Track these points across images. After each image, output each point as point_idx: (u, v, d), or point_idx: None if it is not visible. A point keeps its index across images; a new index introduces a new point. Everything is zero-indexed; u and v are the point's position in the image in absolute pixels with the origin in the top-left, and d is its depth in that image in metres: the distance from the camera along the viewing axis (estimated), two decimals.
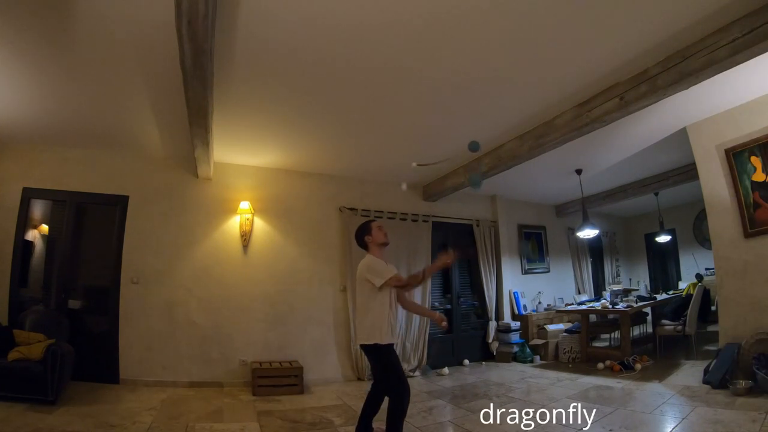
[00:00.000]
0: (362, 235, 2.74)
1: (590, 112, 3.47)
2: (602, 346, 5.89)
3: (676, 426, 2.80)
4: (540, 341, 5.86)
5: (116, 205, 4.40)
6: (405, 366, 5.11)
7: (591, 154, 4.96)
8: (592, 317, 5.93)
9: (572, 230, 7.31)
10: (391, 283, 2.51)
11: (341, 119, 3.84)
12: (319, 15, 2.43)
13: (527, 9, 2.43)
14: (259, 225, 4.89)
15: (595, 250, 8.29)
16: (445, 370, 5.22)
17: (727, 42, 2.56)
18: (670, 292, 6.69)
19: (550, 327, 5.94)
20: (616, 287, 6.44)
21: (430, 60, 2.92)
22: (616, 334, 5.88)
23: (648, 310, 6.16)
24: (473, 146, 3.01)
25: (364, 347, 2.56)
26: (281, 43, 2.67)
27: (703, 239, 7.65)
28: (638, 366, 4.53)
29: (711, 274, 5.86)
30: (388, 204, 5.63)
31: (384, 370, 2.53)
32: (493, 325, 6.01)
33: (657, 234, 7.52)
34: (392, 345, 2.53)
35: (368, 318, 2.52)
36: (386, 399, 2.54)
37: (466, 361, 5.70)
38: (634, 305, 5.25)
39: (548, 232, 7.37)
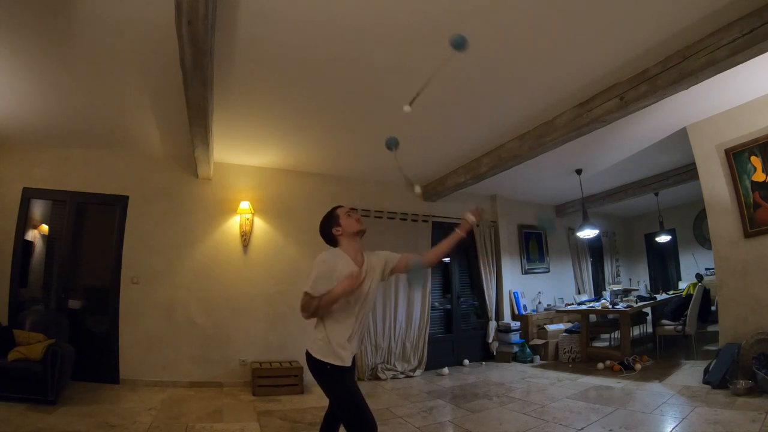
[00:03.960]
0: (329, 229, 2.03)
1: (590, 112, 3.47)
2: (602, 346, 5.89)
3: (676, 426, 2.80)
4: (540, 341, 5.86)
5: (116, 205, 4.40)
6: (405, 366, 5.12)
7: (591, 154, 4.96)
8: (592, 317, 5.94)
9: (572, 230, 7.31)
10: (302, 301, 1.80)
11: (341, 119, 3.83)
12: (319, 15, 2.43)
13: (527, 9, 2.43)
14: (259, 225, 4.89)
15: (595, 250, 8.29)
16: (445, 370, 5.22)
17: (727, 42, 2.56)
18: (670, 292, 6.68)
19: (550, 327, 5.94)
20: (616, 287, 6.43)
21: (430, 60, 2.92)
22: (616, 334, 5.88)
23: (648, 310, 6.17)
24: (390, 142, 2.34)
25: (311, 362, 1.83)
26: (281, 43, 2.67)
27: (703, 239, 7.65)
28: (638, 366, 4.53)
29: (711, 274, 5.86)
30: (388, 204, 5.63)
31: (338, 402, 1.82)
32: (493, 325, 6.01)
33: (657, 234, 7.52)
34: (347, 369, 1.83)
35: (321, 325, 1.86)
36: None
37: (466, 361, 5.70)
38: (634, 305, 5.25)
39: (548, 232, 7.36)
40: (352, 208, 2.08)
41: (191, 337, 4.36)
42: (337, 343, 1.81)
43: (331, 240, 2.06)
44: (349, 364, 1.84)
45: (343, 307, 1.84)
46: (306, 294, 1.79)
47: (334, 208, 2.11)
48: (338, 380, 1.80)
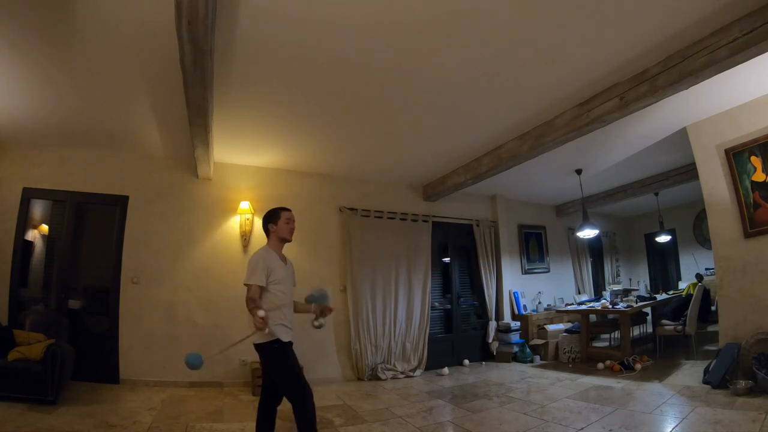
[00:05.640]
0: (267, 223, 2.49)
1: (590, 112, 3.47)
2: (602, 346, 5.89)
3: (676, 426, 2.80)
4: (540, 341, 5.86)
5: (116, 205, 4.40)
6: (405, 366, 5.13)
7: (591, 154, 4.96)
8: (592, 317, 5.93)
9: (572, 230, 7.32)
10: (247, 289, 2.22)
11: (341, 119, 3.83)
12: (319, 15, 2.43)
13: (527, 9, 2.43)
14: (260, 225, 4.87)
15: (595, 250, 8.29)
16: (445, 370, 5.22)
17: (727, 42, 2.56)
18: (670, 292, 6.69)
19: (550, 327, 5.94)
20: (616, 287, 6.43)
21: (430, 60, 2.92)
22: (616, 334, 5.89)
23: (648, 310, 6.17)
24: (317, 296, 2.54)
25: (257, 347, 2.26)
26: (281, 44, 2.67)
27: (703, 239, 7.66)
28: (638, 366, 4.53)
29: (711, 274, 5.86)
30: (388, 204, 5.63)
31: (282, 373, 2.23)
32: (493, 325, 6.01)
33: (657, 234, 7.52)
34: (290, 344, 2.30)
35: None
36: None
37: (466, 361, 5.70)
38: (634, 305, 5.25)
39: (548, 232, 7.37)
40: (292, 219, 2.50)
41: (191, 337, 4.36)
42: (280, 322, 2.23)
43: (266, 231, 2.49)
44: (290, 339, 2.30)
45: (281, 300, 2.31)
46: (255, 286, 2.21)
47: (283, 209, 2.50)
48: (285, 354, 2.23)
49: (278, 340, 2.23)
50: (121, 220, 4.37)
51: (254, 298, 2.20)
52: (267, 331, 2.11)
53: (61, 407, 3.15)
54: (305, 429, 2.21)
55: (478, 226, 6.29)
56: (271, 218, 2.49)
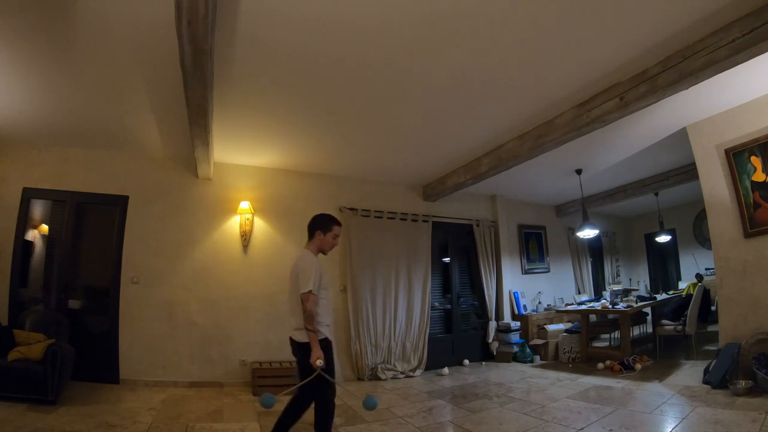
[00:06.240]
0: (316, 228, 2.52)
1: (590, 112, 3.47)
2: (602, 346, 5.89)
3: (676, 426, 2.80)
4: (540, 341, 5.86)
5: (116, 205, 4.40)
6: (405, 366, 5.13)
7: (591, 154, 4.97)
8: (592, 317, 5.93)
9: (572, 230, 7.32)
10: (305, 298, 2.24)
11: (341, 119, 3.83)
12: (319, 15, 2.43)
13: (527, 9, 2.43)
14: (259, 225, 4.89)
15: (595, 250, 8.29)
16: (445, 370, 5.22)
17: (727, 42, 2.56)
18: (670, 292, 6.69)
19: (550, 327, 5.94)
20: (616, 287, 6.43)
21: (430, 60, 2.92)
22: (616, 334, 5.89)
23: (648, 310, 6.17)
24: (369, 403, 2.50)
25: (300, 344, 2.34)
26: (281, 44, 2.67)
27: (703, 239, 7.66)
28: (638, 366, 4.53)
29: (711, 274, 5.86)
30: (388, 204, 5.63)
31: (326, 368, 2.32)
32: (493, 325, 6.01)
33: (657, 234, 7.52)
34: (331, 342, 2.43)
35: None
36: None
37: (466, 361, 5.70)
38: (634, 305, 5.25)
39: (548, 232, 7.37)
40: (338, 236, 2.58)
41: (191, 337, 4.36)
42: (325, 324, 2.38)
43: (311, 233, 2.54)
44: (331, 338, 2.43)
45: (324, 302, 2.41)
46: (311, 295, 2.25)
47: (337, 222, 2.55)
48: (328, 350, 2.34)
49: (326, 339, 2.37)
50: (121, 220, 4.37)
51: (314, 314, 2.26)
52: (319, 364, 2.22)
53: (61, 407, 3.15)
54: (321, 426, 2.29)
55: (478, 226, 6.29)
56: (322, 225, 2.53)
